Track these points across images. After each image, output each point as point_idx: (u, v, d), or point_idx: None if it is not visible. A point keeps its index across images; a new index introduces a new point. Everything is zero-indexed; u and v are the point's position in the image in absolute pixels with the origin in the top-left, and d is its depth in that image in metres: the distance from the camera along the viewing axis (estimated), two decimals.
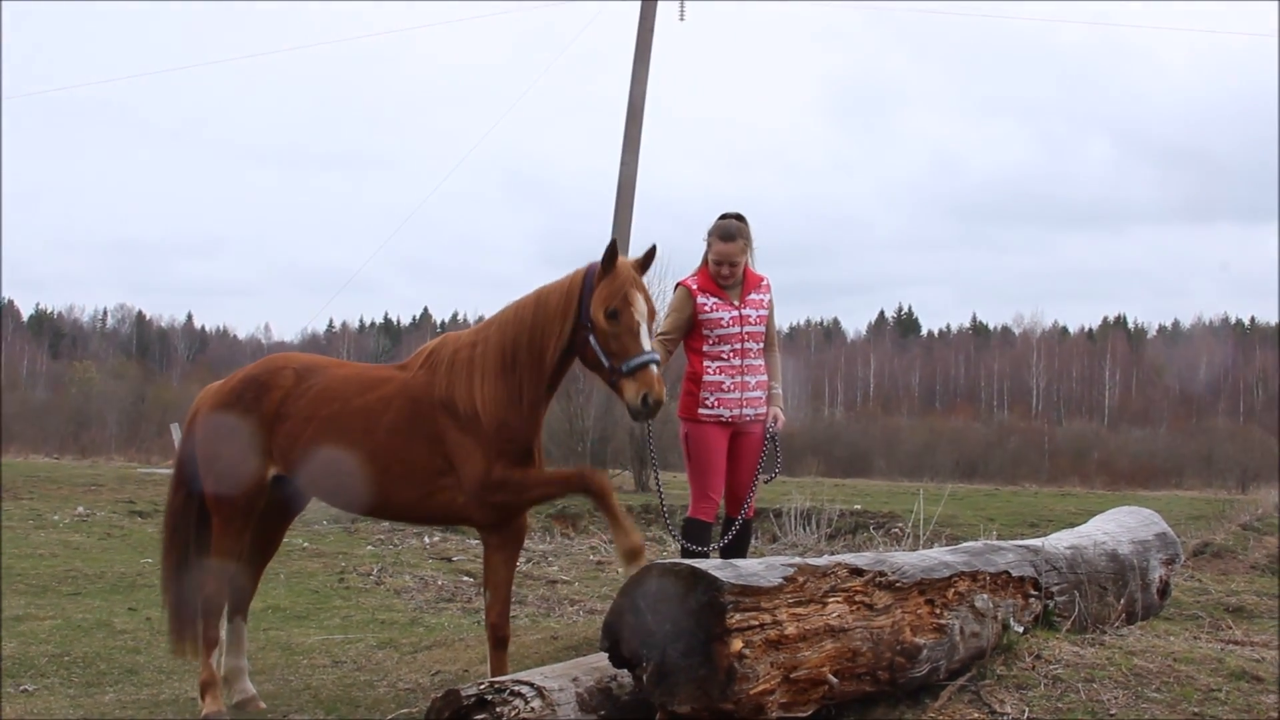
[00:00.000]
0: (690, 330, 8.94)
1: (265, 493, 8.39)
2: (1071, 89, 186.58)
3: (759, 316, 8.93)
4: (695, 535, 8.89)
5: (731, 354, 8.85)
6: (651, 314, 7.49)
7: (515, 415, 7.67)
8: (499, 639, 7.86)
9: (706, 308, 8.83)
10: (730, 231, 8.85)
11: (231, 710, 8.54)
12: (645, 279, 7.63)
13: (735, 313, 8.83)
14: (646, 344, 7.33)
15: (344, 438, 7.96)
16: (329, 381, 8.34)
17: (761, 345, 8.99)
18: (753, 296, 8.94)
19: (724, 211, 9.02)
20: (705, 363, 8.86)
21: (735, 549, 8.94)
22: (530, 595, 15.03)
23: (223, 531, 8.43)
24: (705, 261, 8.99)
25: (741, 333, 8.85)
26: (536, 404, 7.77)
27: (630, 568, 6.93)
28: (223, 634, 8.80)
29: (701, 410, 8.83)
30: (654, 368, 7.29)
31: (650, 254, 7.68)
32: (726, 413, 8.81)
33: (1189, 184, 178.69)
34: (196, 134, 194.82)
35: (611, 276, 7.42)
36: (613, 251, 7.46)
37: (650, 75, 30.78)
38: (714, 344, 8.85)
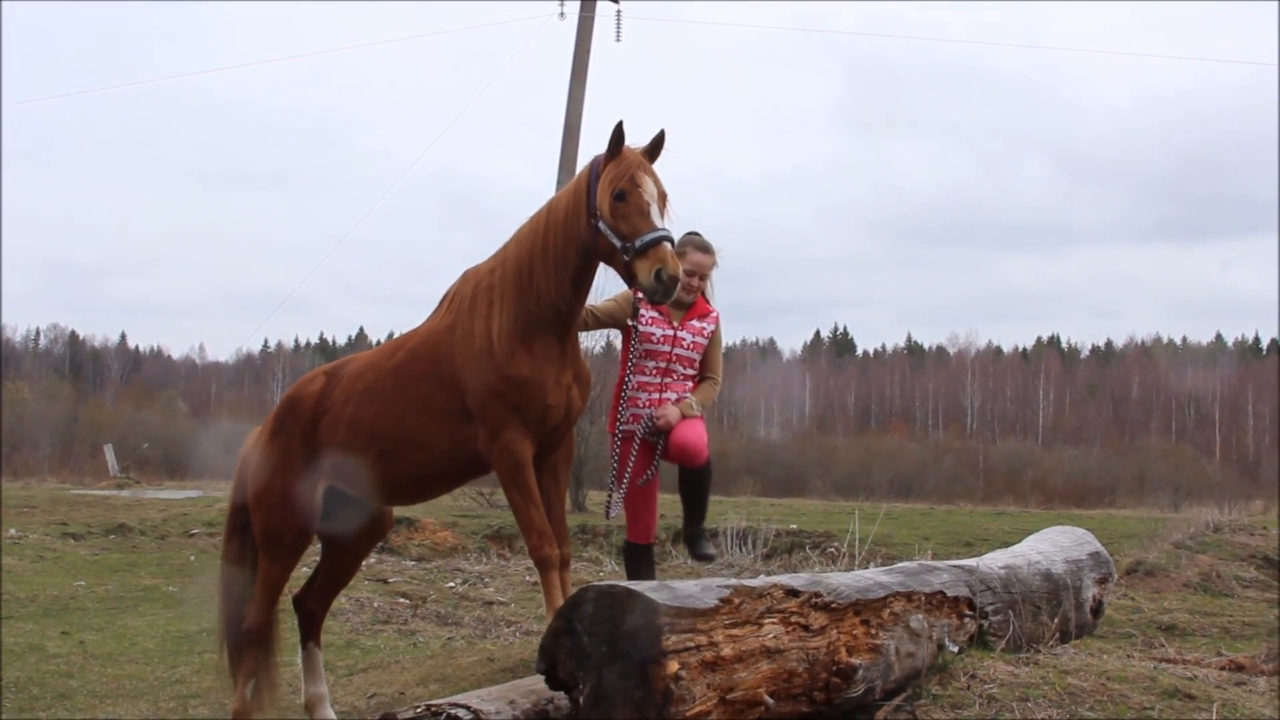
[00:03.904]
0: (622, 330, 8.78)
1: (315, 518, 8.25)
2: (1007, 110, 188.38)
3: (693, 343, 8.78)
4: (631, 560, 8.83)
5: (655, 371, 8.70)
6: (662, 196, 7.19)
7: (533, 341, 7.36)
8: (563, 558, 7.53)
9: (644, 319, 8.65)
10: (707, 245, 8.79)
11: None
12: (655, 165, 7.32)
13: (670, 332, 8.68)
14: (658, 222, 7.05)
15: (381, 399, 7.80)
16: (362, 359, 8.29)
17: (690, 371, 8.81)
18: (694, 323, 8.79)
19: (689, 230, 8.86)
20: (628, 376, 8.68)
21: (693, 495, 8.79)
22: (467, 616, 15.03)
23: (269, 566, 8.37)
24: None
25: (670, 353, 8.71)
26: (561, 312, 7.45)
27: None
28: (299, 662, 8.90)
29: (619, 425, 8.69)
30: (667, 244, 6.97)
31: (658, 139, 7.36)
32: (639, 428, 8.64)
33: (1125, 204, 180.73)
34: (130, 153, 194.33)
35: (617, 161, 7.17)
36: (619, 136, 7.21)
37: (587, 96, 30.89)
38: (640, 357, 8.68)
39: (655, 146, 7.35)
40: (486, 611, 15.54)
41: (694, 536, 8.84)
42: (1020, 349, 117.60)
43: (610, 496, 8.71)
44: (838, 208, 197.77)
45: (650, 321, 8.66)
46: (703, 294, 8.88)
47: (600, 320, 8.72)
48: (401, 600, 16.30)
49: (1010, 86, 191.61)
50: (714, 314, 8.91)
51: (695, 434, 8.51)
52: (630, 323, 8.59)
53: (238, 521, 8.70)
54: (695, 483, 8.70)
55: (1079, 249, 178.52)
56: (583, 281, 7.47)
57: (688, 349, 8.74)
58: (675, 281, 6.96)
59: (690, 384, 8.80)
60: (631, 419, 8.60)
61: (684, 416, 8.54)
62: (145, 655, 11.96)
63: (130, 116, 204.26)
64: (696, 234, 8.85)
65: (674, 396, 8.65)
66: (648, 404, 8.63)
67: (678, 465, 8.75)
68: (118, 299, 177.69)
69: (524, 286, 7.41)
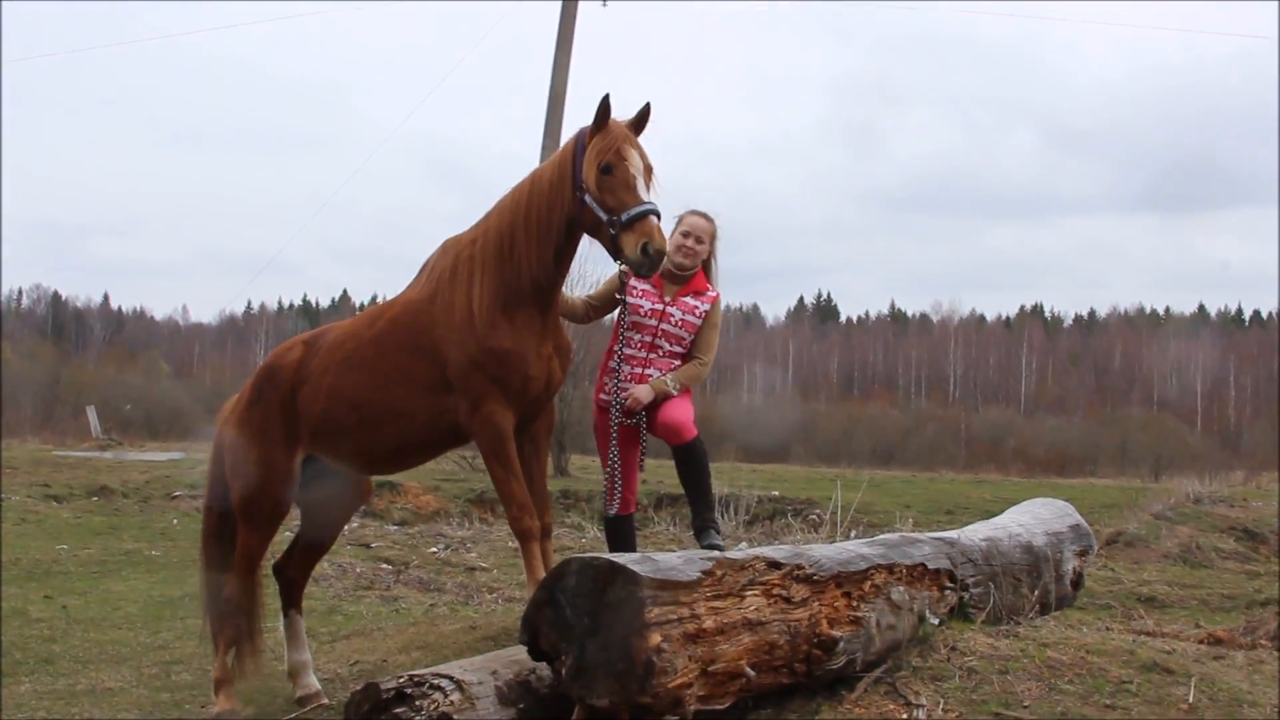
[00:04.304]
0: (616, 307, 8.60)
1: (294, 487, 8.28)
2: (996, 79, 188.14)
3: (683, 321, 8.49)
4: (611, 532, 8.70)
5: (640, 345, 8.48)
6: (648, 169, 7.17)
7: (514, 312, 7.36)
8: (545, 528, 7.56)
9: (634, 290, 8.45)
10: (706, 213, 8.63)
11: (294, 705, 8.51)
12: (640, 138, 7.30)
13: (659, 306, 8.46)
14: (644, 195, 7.05)
15: (360, 368, 7.79)
16: (341, 328, 8.28)
17: (679, 350, 8.55)
18: (687, 299, 8.52)
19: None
20: (615, 346, 8.55)
21: (688, 477, 8.52)
22: (449, 583, 15.04)
23: (248, 535, 8.40)
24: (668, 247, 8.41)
25: (657, 327, 8.45)
26: (542, 284, 7.43)
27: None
28: (280, 631, 8.97)
29: (601, 395, 8.56)
30: (653, 218, 6.98)
31: (644, 112, 7.35)
32: (613, 406, 8.45)
33: (1111, 174, 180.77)
34: (114, 114, 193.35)
35: (603, 134, 7.14)
36: (605, 109, 7.19)
37: (574, 60, 30.78)
38: (627, 329, 8.48)
39: (641, 119, 7.33)
40: (469, 577, 15.55)
41: (700, 527, 8.56)
42: (1004, 318, 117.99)
43: (607, 494, 8.59)
44: (823, 175, 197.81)
45: (640, 294, 8.46)
46: (705, 270, 8.70)
47: (598, 308, 8.65)
48: (384, 566, 16.31)
49: (998, 56, 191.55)
50: (712, 294, 8.65)
51: (678, 411, 8.34)
52: (618, 295, 8.45)
53: (214, 493, 8.74)
54: (685, 462, 8.43)
55: (1064, 219, 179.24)
56: (565, 254, 7.47)
57: (675, 325, 8.49)
58: (661, 255, 6.99)
59: (678, 362, 8.56)
60: (615, 390, 8.42)
61: (656, 394, 8.34)
62: (128, 620, 11.97)
63: (115, 77, 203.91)
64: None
65: (656, 374, 8.45)
66: (629, 378, 8.44)
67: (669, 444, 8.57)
68: (101, 259, 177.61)
69: (505, 258, 7.40)
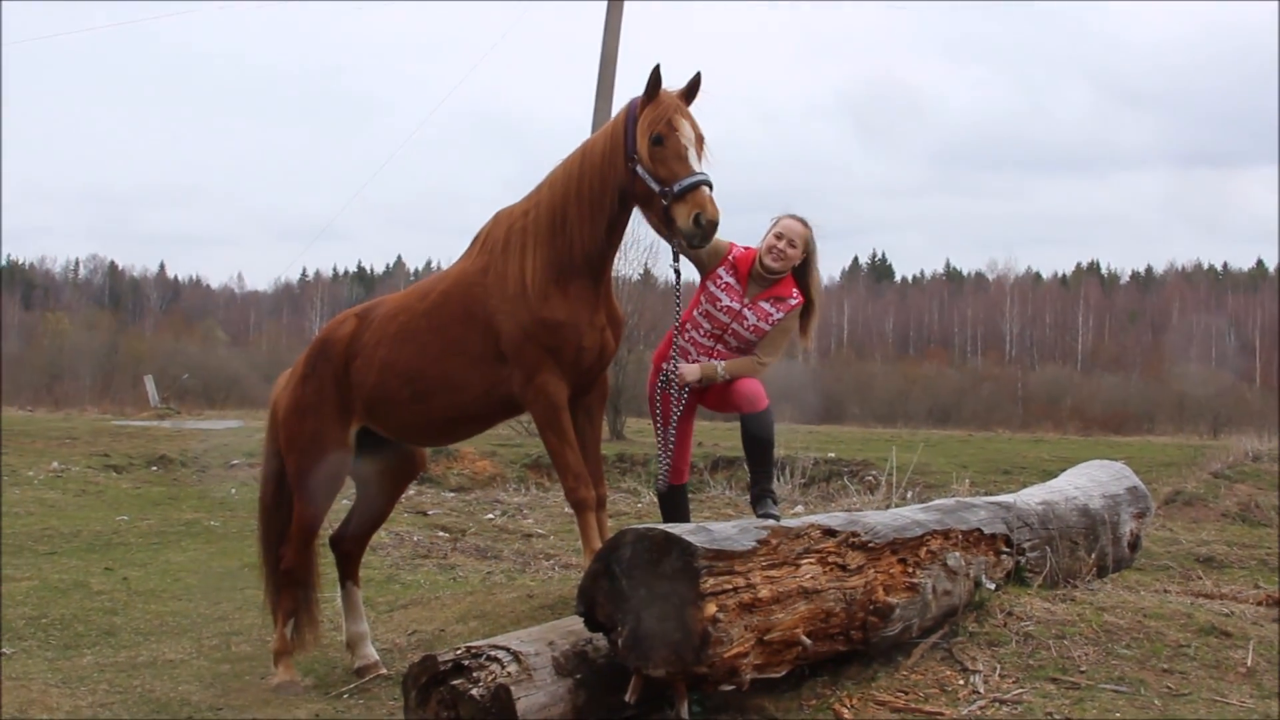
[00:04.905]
0: (702, 273, 8.48)
1: (348, 460, 8.38)
2: (1048, 33, 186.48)
3: (754, 326, 8.30)
4: (665, 503, 8.66)
5: (707, 335, 8.37)
6: (699, 139, 7.14)
7: (567, 284, 7.37)
8: (599, 498, 7.56)
9: (720, 279, 8.35)
10: (803, 218, 8.38)
11: (352, 676, 8.60)
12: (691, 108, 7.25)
13: (736, 306, 8.31)
14: (696, 166, 7.01)
15: (414, 341, 7.84)
16: (393, 301, 8.32)
17: (740, 346, 8.35)
18: (764, 305, 8.30)
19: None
20: (687, 325, 8.44)
21: (752, 447, 8.35)
22: (506, 550, 15.08)
23: (303, 508, 8.50)
24: (760, 247, 8.38)
25: (728, 324, 8.31)
26: (593, 260, 7.45)
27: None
28: (338, 602, 9.06)
29: (664, 367, 8.42)
30: (705, 188, 6.97)
31: (695, 82, 7.27)
32: (664, 378, 8.39)
33: (1166, 129, 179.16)
34: (168, 83, 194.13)
35: (655, 104, 7.12)
36: (656, 79, 7.16)
37: (625, 21, 30.65)
38: (702, 314, 8.39)
39: (692, 89, 7.28)
40: (525, 544, 15.58)
41: (757, 496, 8.41)
42: (1060, 275, 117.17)
43: (659, 467, 8.55)
44: (877, 133, 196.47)
45: (724, 287, 8.34)
46: (803, 277, 8.45)
47: (703, 260, 8.40)
48: (441, 534, 16.36)
49: (1052, 11, 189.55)
50: (792, 301, 8.38)
51: (753, 383, 8.28)
52: (672, 265, 7.98)
53: (271, 467, 8.87)
54: (753, 431, 8.28)
55: (1119, 174, 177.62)
56: (617, 225, 7.47)
57: (747, 329, 8.33)
58: (714, 226, 6.96)
59: (735, 356, 8.39)
60: (672, 367, 8.31)
61: (704, 378, 8.25)
62: (188, 591, 12.07)
63: (167, 46, 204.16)
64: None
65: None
66: (690, 361, 8.35)
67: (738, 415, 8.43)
68: (157, 229, 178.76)
69: (558, 230, 7.40)
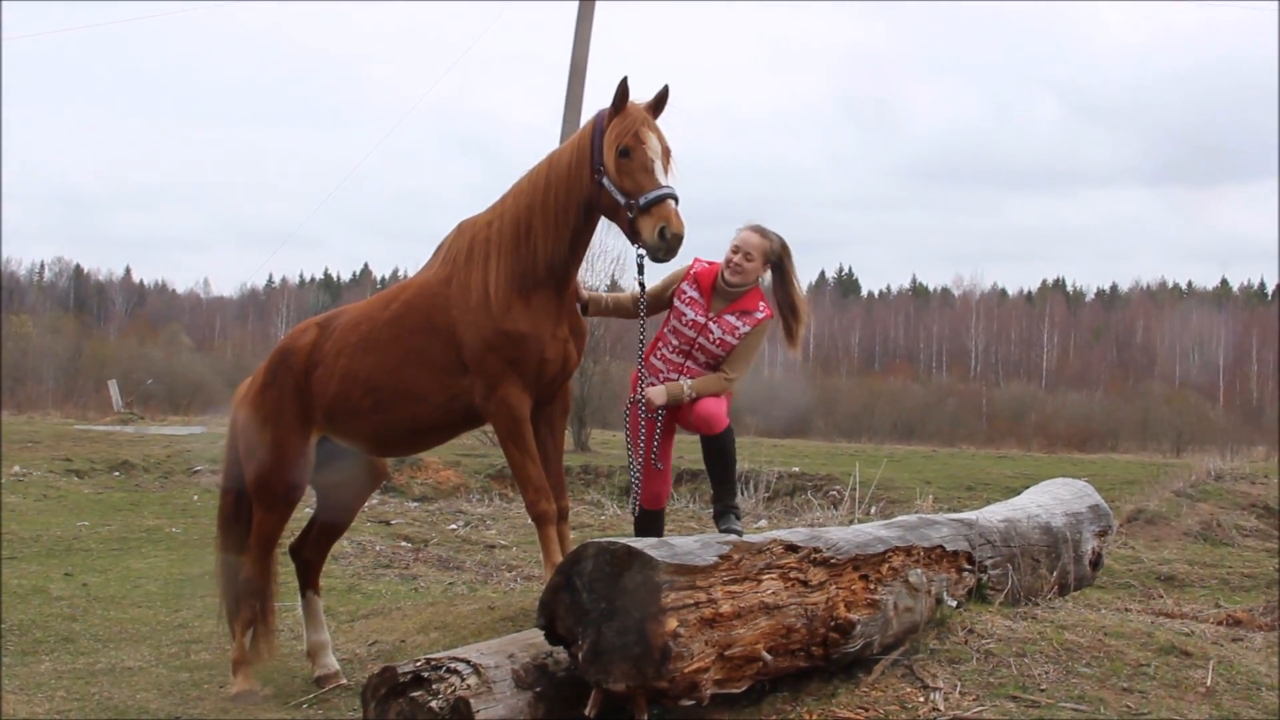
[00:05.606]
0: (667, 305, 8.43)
1: (308, 469, 8.33)
2: (1018, 50, 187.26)
3: (720, 340, 8.23)
4: (641, 528, 8.53)
5: (674, 351, 8.32)
6: (666, 152, 7.13)
7: (530, 295, 7.34)
8: (561, 511, 7.57)
9: (684, 295, 8.31)
10: (761, 229, 8.30)
11: (312, 686, 8.55)
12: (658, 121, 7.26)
13: (701, 319, 8.26)
14: (662, 179, 7.01)
15: (375, 351, 7.80)
16: (355, 310, 8.29)
17: (712, 364, 8.32)
18: (729, 318, 8.23)
19: None
20: (658, 345, 8.41)
21: (714, 465, 8.48)
22: (468, 560, 15.08)
23: (263, 517, 8.45)
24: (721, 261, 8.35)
25: (694, 339, 8.25)
26: (557, 271, 7.42)
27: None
28: (299, 611, 9.00)
29: (635, 391, 8.31)
30: (671, 202, 6.95)
31: (662, 95, 7.29)
32: (640, 403, 8.27)
33: (1134, 147, 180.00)
34: (136, 86, 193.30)
35: (622, 116, 7.11)
36: (623, 92, 7.17)
37: (595, 28, 30.66)
38: (669, 331, 8.36)
39: (659, 102, 7.30)
40: (488, 555, 15.57)
41: (720, 512, 8.50)
42: (1025, 292, 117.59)
43: (631, 491, 8.47)
44: (845, 146, 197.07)
45: (688, 302, 8.29)
46: (784, 287, 8.39)
47: (650, 305, 8.22)
48: (403, 544, 16.33)
49: (1020, 26, 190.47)
50: (759, 315, 8.30)
51: (713, 404, 8.22)
52: (636, 280, 7.96)
53: (231, 474, 8.80)
54: (713, 452, 8.39)
55: (1087, 191, 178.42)
56: (582, 237, 7.46)
57: (713, 343, 8.25)
58: (679, 239, 6.95)
59: (704, 373, 8.33)
60: (642, 387, 8.23)
61: (670, 399, 8.17)
62: (148, 598, 11.99)
63: (136, 50, 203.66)
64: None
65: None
66: (657, 377, 8.31)
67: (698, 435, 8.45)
68: (123, 233, 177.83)
69: (522, 240, 7.39)
